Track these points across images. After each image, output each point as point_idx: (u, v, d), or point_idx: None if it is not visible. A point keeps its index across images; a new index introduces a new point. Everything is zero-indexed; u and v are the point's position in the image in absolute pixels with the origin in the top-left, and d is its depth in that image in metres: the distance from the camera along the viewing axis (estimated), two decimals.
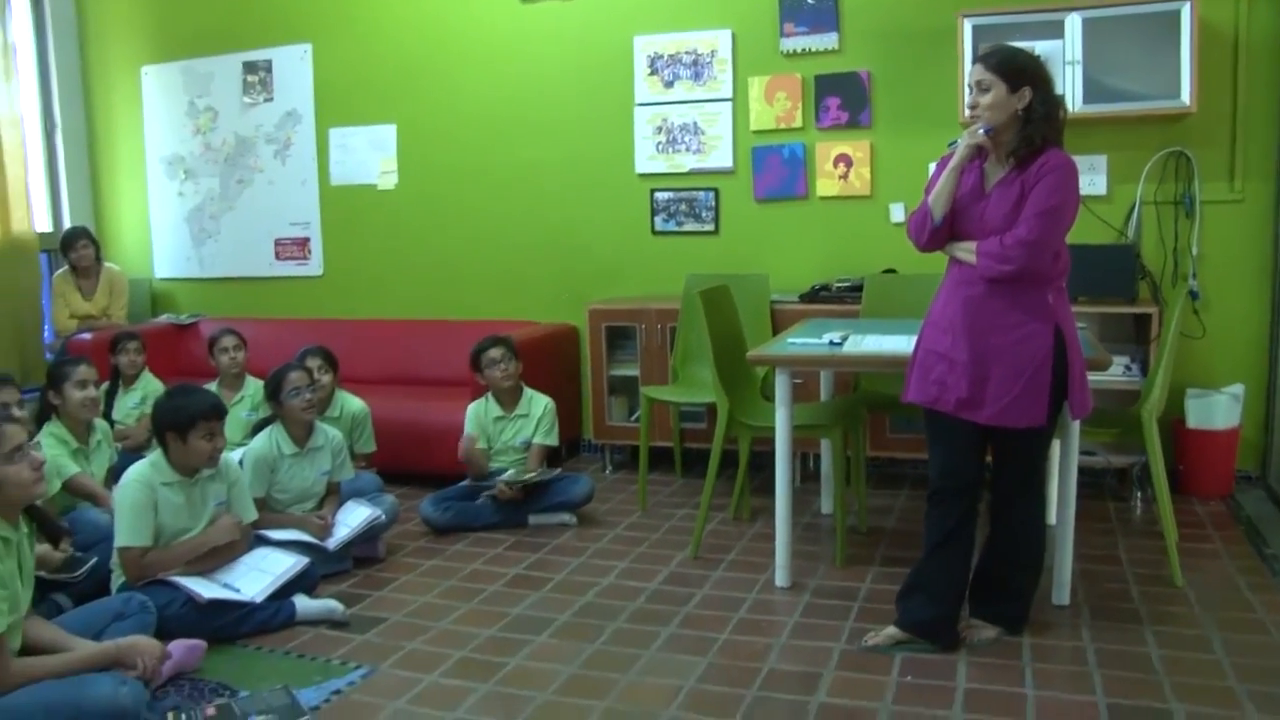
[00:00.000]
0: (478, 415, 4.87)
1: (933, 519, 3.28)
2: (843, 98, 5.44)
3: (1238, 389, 4.90)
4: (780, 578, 3.88)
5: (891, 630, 3.33)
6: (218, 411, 3.72)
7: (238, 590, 3.61)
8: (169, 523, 3.63)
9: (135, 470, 3.66)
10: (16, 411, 3.60)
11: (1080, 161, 4.82)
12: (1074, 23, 4.76)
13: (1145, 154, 5.03)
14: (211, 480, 3.76)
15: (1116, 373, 4.71)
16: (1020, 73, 3.04)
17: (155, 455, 3.70)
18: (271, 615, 3.60)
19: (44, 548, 3.52)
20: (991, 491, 3.32)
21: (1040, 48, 4.65)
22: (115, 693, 2.70)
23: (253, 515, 3.93)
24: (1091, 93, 4.76)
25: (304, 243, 6.78)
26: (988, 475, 3.31)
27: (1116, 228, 5.08)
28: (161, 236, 7.23)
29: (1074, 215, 3.12)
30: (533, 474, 4.71)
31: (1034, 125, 3.04)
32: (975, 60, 3.16)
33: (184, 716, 2.93)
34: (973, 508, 3.26)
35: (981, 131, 3.08)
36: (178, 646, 3.20)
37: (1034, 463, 3.29)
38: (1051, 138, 3.08)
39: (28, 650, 2.82)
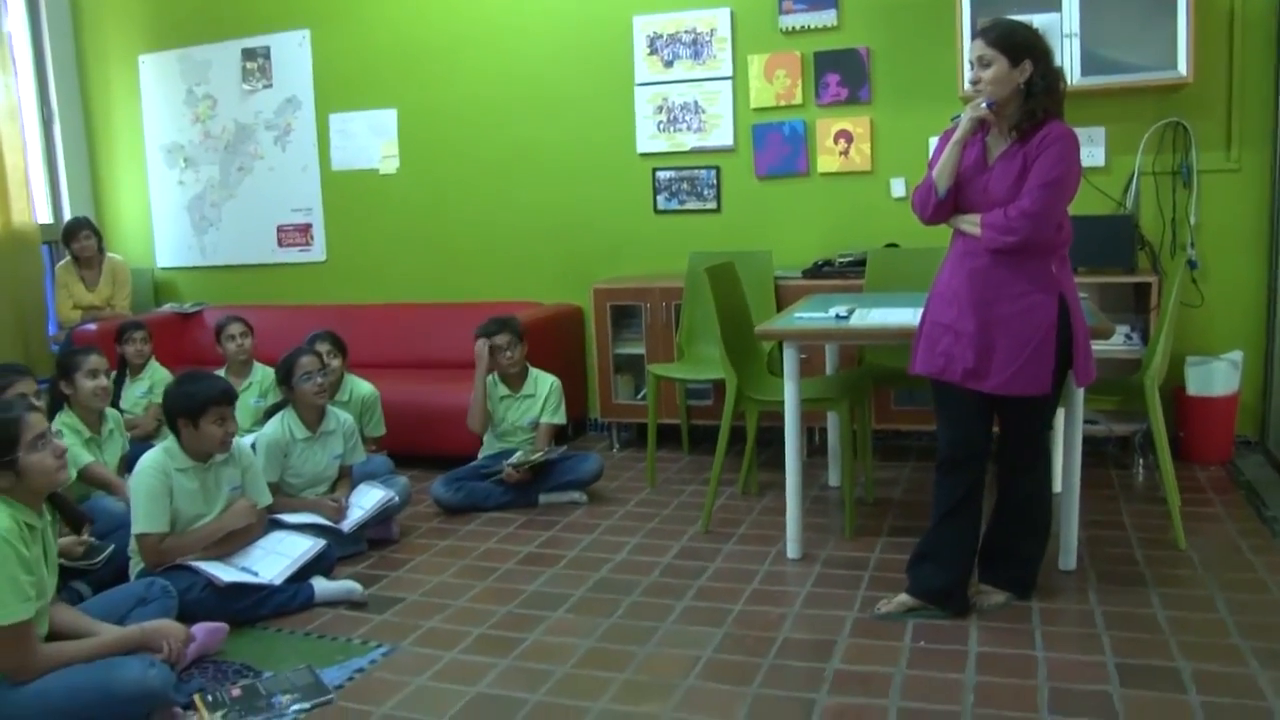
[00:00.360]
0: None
1: (942, 488, 3.34)
2: (842, 74, 5.47)
3: (1236, 356, 4.95)
4: (791, 549, 3.94)
5: (903, 598, 3.39)
6: (228, 396, 3.75)
7: (256, 574, 3.66)
8: (184, 508, 3.67)
9: (149, 457, 3.70)
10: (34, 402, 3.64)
11: (1079, 133, 4.89)
12: None
13: (1143, 125, 5.07)
14: (225, 465, 3.81)
15: (1117, 341, 4.76)
16: (1021, 47, 3.08)
17: (169, 442, 3.74)
18: (290, 597, 3.65)
19: (65, 539, 3.58)
20: (998, 460, 3.38)
21: (1038, 20, 4.66)
22: (144, 675, 2.76)
23: (268, 499, 3.97)
24: (1089, 65, 4.79)
25: (306, 229, 6.81)
26: (994, 444, 3.36)
27: (1115, 198, 5.13)
28: (162, 225, 7.26)
29: (1076, 186, 3.17)
30: (539, 454, 4.75)
31: (1035, 98, 3.08)
32: (975, 35, 3.19)
33: (210, 698, 2.98)
34: (981, 476, 3.31)
35: (984, 105, 3.12)
36: (200, 629, 3.25)
37: (1040, 430, 3.35)
38: (1053, 110, 3.12)
39: (53, 635, 2.86)
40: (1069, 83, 4.68)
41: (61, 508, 3.11)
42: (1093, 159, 5.09)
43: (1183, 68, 4.67)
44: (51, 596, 2.93)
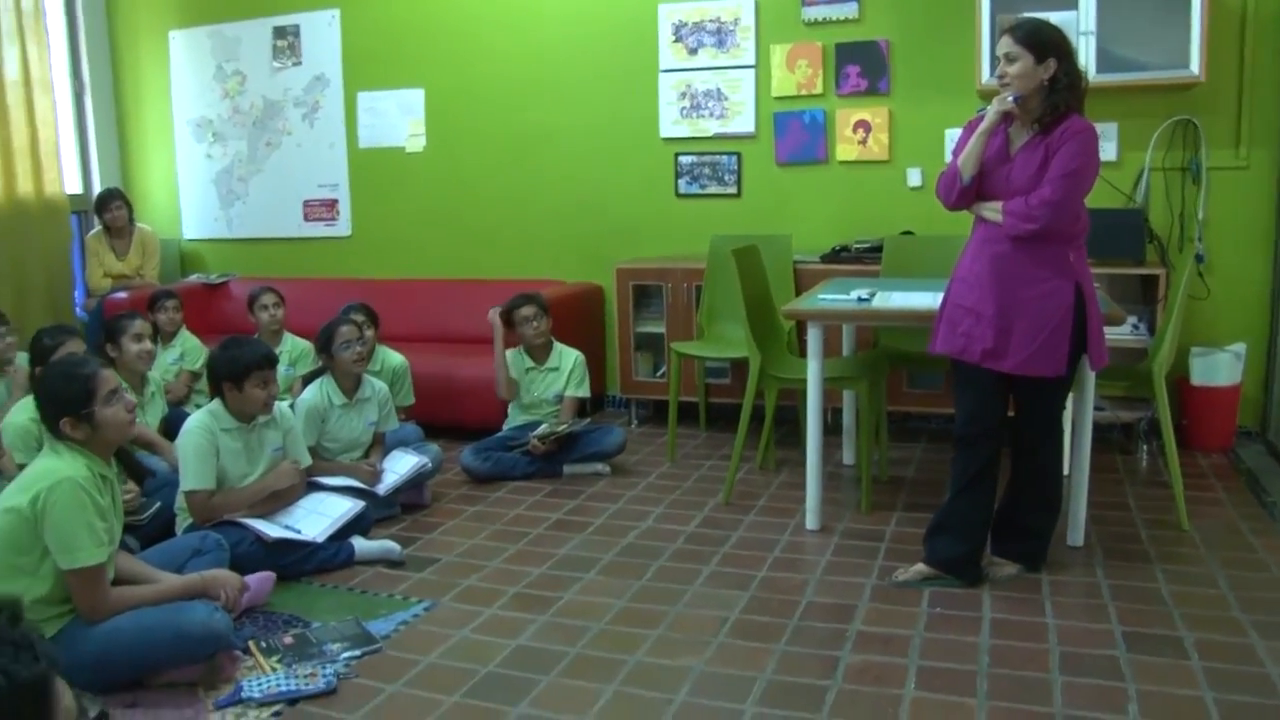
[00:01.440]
0: (511, 362, 5.08)
1: (959, 462, 3.51)
2: (862, 65, 5.62)
3: (1240, 348, 5.12)
4: (810, 521, 4.11)
5: (920, 567, 3.57)
6: (270, 361, 3.91)
7: (299, 531, 3.83)
8: (229, 467, 3.84)
9: (196, 418, 3.87)
10: None
11: None
12: None
13: (1154, 122, 5.22)
14: (267, 428, 3.97)
15: (1125, 331, 4.92)
16: (1046, 45, 3.24)
17: (214, 404, 3.90)
18: (332, 555, 3.83)
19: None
20: (1013, 438, 3.55)
21: (1056, 18, 4.79)
22: (210, 618, 2.93)
23: (308, 460, 4.14)
24: (1104, 62, 4.94)
25: (332, 204, 6.96)
26: (1009, 423, 3.54)
27: (1126, 193, 5.28)
28: (190, 198, 7.40)
29: (1094, 178, 3.33)
30: (564, 425, 4.92)
31: (1058, 93, 3.24)
32: (1003, 33, 3.35)
33: (264, 644, 3.15)
34: (995, 452, 3.49)
35: (1010, 99, 3.28)
36: (251, 579, 3.42)
37: (1053, 410, 3.52)
38: (1074, 105, 3.28)
39: (117, 581, 3.02)
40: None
41: (125, 461, 3.27)
42: (1105, 154, 5.20)
43: (1195, 67, 4.82)
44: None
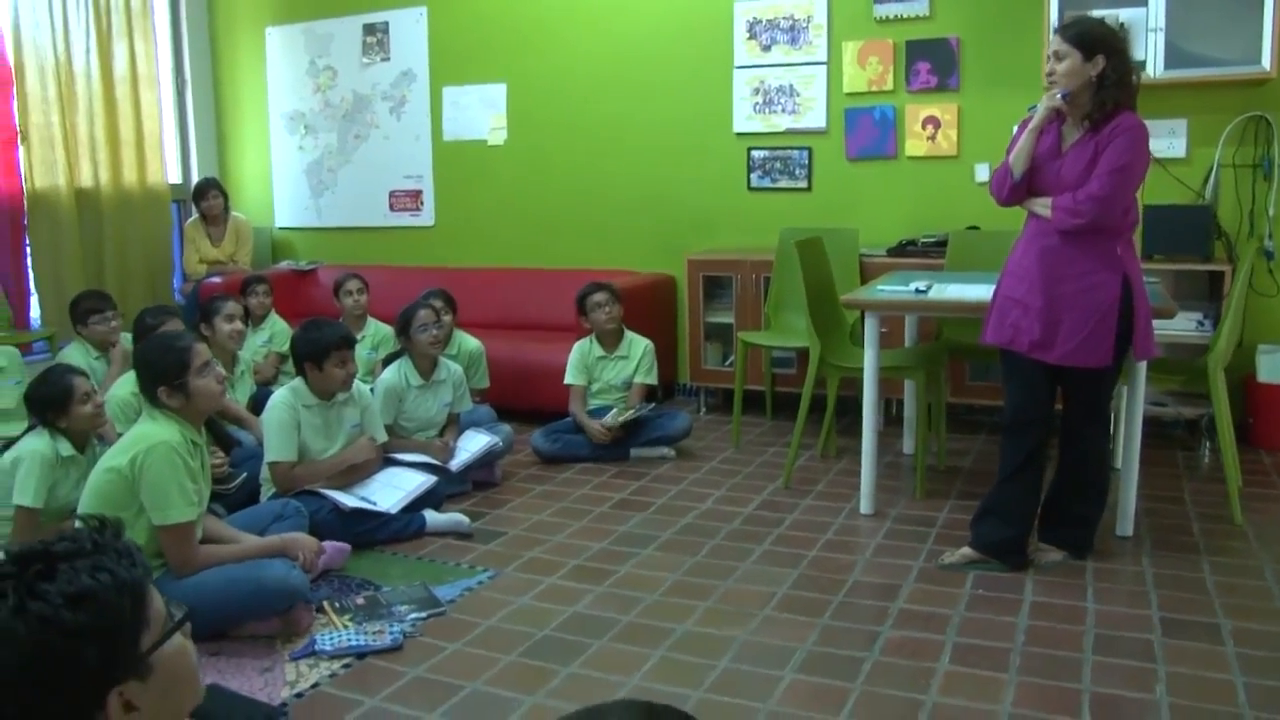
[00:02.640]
0: (582, 354, 5.26)
1: (1006, 450, 3.61)
2: (932, 62, 5.70)
3: None
4: (865, 505, 4.23)
5: (966, 550, 3.67)
6: (348, 341, 4.16)
7: (374, 503, 4.06)
8: (310, 441, 4.09)
9: (280, 395, 4.13)
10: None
11: (1160, 125, 5.12)
12: None
13: (1225, 118, 5.22)
14: (346, 405, 4.21)
15: (1189, 327, 4.94)
16: (1095, 42, 3.32)
17: (296, 382, 4.16)
18: (405, 525, 4.05)
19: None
20: (1061, 427, 3.64)
21: (1124, 15, 4.92)
22: (288, 574, 3.17)
23: (383, 436, 4.37)
24: (1173, 58, 4.95)
25: (417, 195, 7.22)
26: (1058, 411, 3.63)
27: (1194, 189, 5.29)
28: (282, 188, 7.73)
29: (1143, 174, 3.41)
30: (630, 410, 5.09)
31: (1107, 90, 3.33)
32: (1055, 31, 3.44)
33: (337, 604, 3.38)
34: (1042, 441, 3.59)
35: (1059, 96, 3.37)
36: (329, 545, 3.66)
37: (1099, 401, 3.60)
38: (1125, 101, 3.36)
39: (204, 541, 3.27)
40: (1151, 76, 4.91)
41: (214, 431, 3.52)
42: (1173, 150, 5.26)
43: (1267, 62, 4.80)
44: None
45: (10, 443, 3.72)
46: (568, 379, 5.23)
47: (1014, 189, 3.50)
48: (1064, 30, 3.39)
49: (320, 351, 4.07)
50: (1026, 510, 3.64)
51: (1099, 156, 3.33)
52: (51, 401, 3.57)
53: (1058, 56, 3.36)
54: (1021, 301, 3.48)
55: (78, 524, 1.38)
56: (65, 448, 3.56)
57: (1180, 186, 5.26)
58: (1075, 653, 2.98)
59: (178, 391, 3.13)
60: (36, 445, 3.50)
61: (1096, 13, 4.96)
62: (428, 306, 4.81)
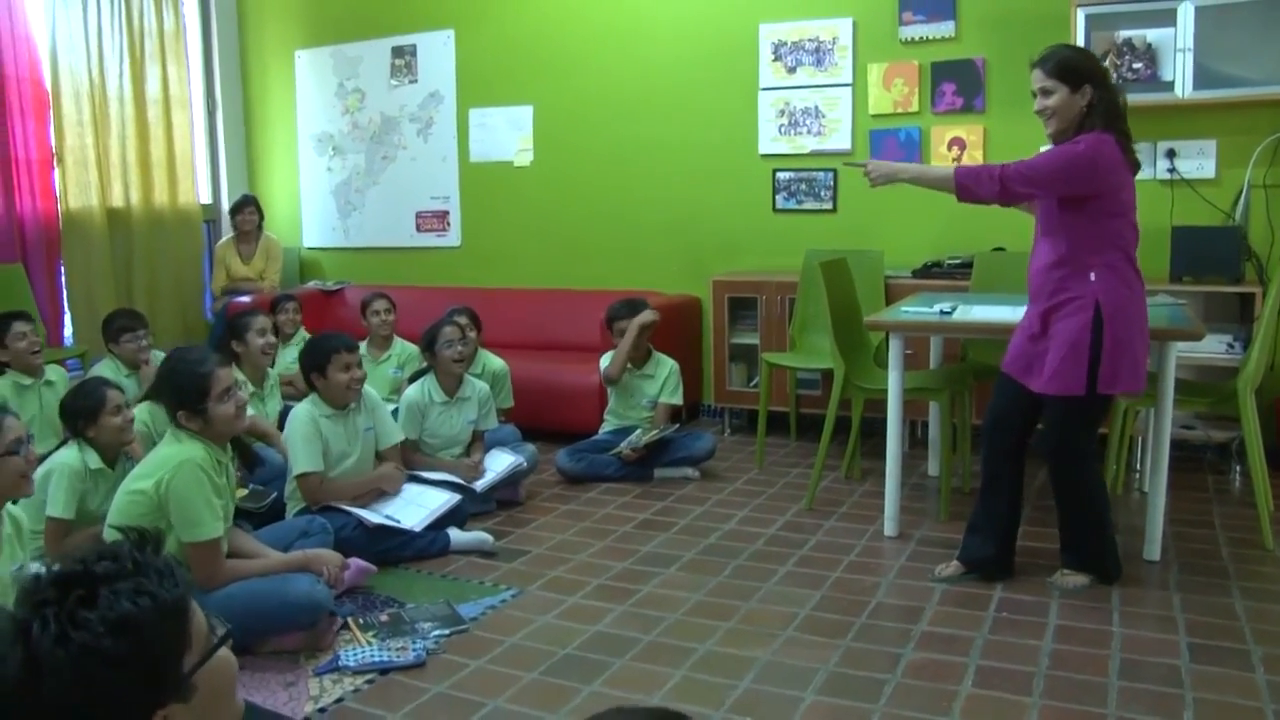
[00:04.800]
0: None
1: (983, 459, 3.74)
2: (958, 83, 5.70)
3: None
4: (889, 527, 4.22)
5: (956, 563, 3.76)
6: (348, 345, 4.21)
7: (398, 520, 4.07)
8: (332, 449, 4.13)
9: (300, 408, 4.19)
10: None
11: (1189, 146, 5.13)
12: (1187, 10, 4.93)
13: (1256, 138, 5.18)
14: (359, 412, 4.25)
15: (1219, 349, 4.90)
16: (1080, 73, 3.33)
17: (312, 396, 4.21)
18: (429, 543, 4.06)
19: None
20: (1046, 459, 3.64)
21: (1151, 36, 4.93)
22: (312, 589, 3.20)
23: (399, 436, 4.42)
24: (1202, 79, 4.94)
25: (443, 215, 7.27)
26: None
27: (1224, 210, 5.25)
28: (310, 208, 7.80)
29: (1074, 179, 3.31)
30: (655, 431, 5.09)
31: (1092, 119, 3.33)
32: (1032, 66, 3.42)
33: (361, 620, 3.39)
34: (1015, 453, 3.67)
35: None
36: (354, 563, 3.67)
37: (1078, 432, 3.52)
38: (1110, 125, 3.33)
39: (230, 555, 3.30)
40: (1180, 96, 4.91)
41: (239, 449, 3.55)
42: (1202, 171, 5.23)
43: None
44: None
45: (44, 458, 3.77)
46: (603, 368, 5.29)
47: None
48: (1043, 64, 3.36)
49: (322, 358, 4.13)
50: (1005, 527, 3.70)
51: None
52: (84, 411, 3.62)
53: (1045, 93, 3.35)
54: (1024, 329, 3.55)
55: (116, 534, 1.37)
56: (94, 460, 3.59)
57: (1210, 208, 5.23)
58: (1100, 677, 2.95)
59: (197, 416, 3.17)
60: (66, 458, 3.55)
61: (1123, 33, 5.02)
62: (453, 323, 4.84)
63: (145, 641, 1.21)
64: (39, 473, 3.54)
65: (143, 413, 4.22)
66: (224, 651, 1.34)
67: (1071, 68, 3.32)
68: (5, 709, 1.18)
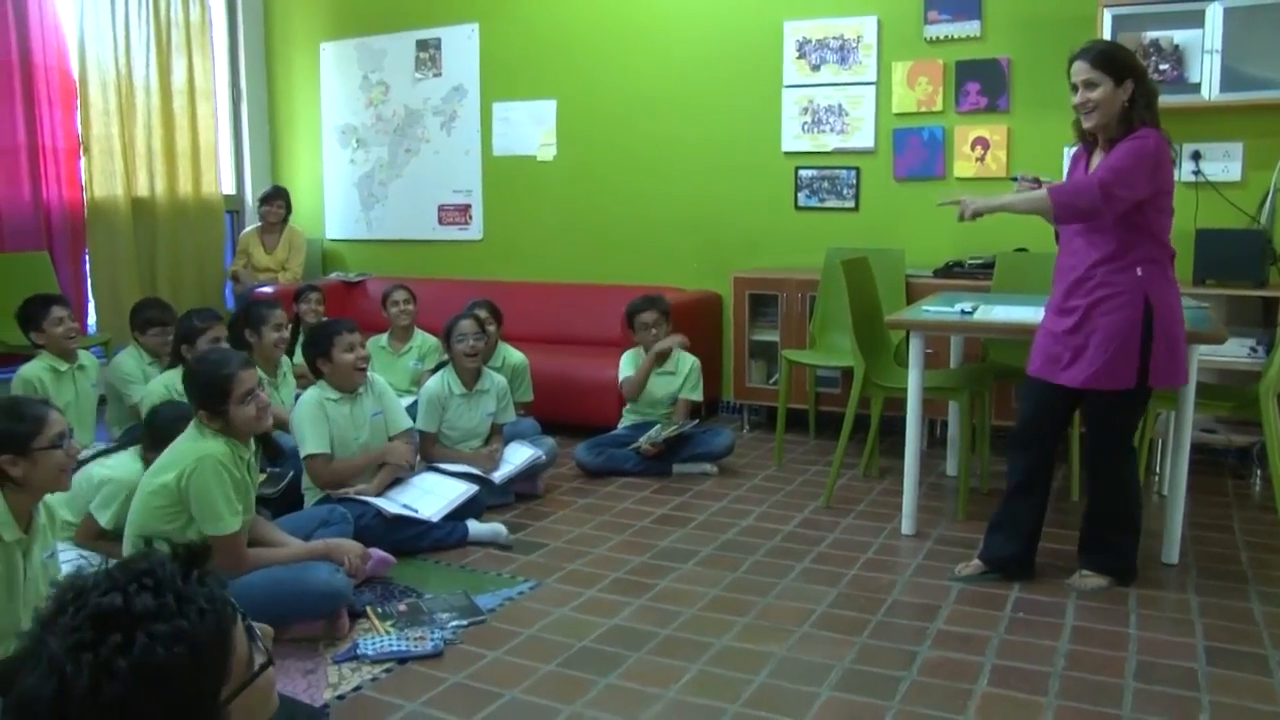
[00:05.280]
0: (634, 359, 5.30)
1: (1012, 463, 3.70)
2: (982, 83, 5.68)
3: None
4: (906, 526, 4.22)
5: (976, 562, 3.75)
6: (349, 326, 4.25)
7: (416, 510, 4.10)
8: (339, 432, 4.16)
9: (307, 394, 4.27)
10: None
11: (1215, 148, 5.10)
12: (1215, 12, 4.91)
13: None
14: (366, 396, 4.29)
15: (1242, 353, 4.88)
16: (1123, 67, 3.34)
17: (320, 382, 4.24)
18: (447, 534, 4.09)
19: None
20: (1085, 455, 3.69)
21: (1179, 37, 4.92)
22: (332, 577, 3.23)
23: (407, 422, 4.44)
24: (1229, 81, 4.92)
25: (465, 209, 7.29)
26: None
27: (1250, 213, 5.22)
28: (333, 200, 7.84)
29: (1144, 182, 3.31)
30: (674, 427, 5.10)
31: (1136, 112, 3.34)
32: (1074, 58, 3.42)
33: (380, 610, 3.42)
34: (1048, 458, 3.66)
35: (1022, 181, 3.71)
36: (375, 552, 3.70)
37: (1122, 427, 3.57)
38: (1149, 121, 3.35)
39: (252, 544, 3.33)
40: (1208, 98, 4.90)
41: (263, 441, 3.59)
42: (1228, 174, 5.20)
43: None
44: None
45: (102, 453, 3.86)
46: (622, 376, 5.29)
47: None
48: (1086, 55, 3.37)
49: (325, 342, 4.17)
50: (1030, 527, 3.69)
51: None
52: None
53: (1088, 85, 3.35)
54: (1049, 329, 3.52)
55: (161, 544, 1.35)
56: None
57: (1235, 211, 5.20)
58: (1116, 679, 2.95)
59: (218, 417, 3.21)
60: (127, 475, 3.55)
61: (1150, 35, 5.01)
62: (471, 317, 4.86)
63: (179, 690, 1.19)
64: (96, 473, 3.59)
65: (166, 379, 4.30)
66: (263, 674, 1.32)
67: (1116, 61, 3.33)
68: None
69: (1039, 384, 3.56)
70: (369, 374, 4.31)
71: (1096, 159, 3.46)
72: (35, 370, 4.68)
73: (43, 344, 4.74)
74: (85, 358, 4.97)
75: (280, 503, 4.17)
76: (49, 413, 2.73)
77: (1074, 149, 3.66)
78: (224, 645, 1.25)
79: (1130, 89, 3.31)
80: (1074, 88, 3.41)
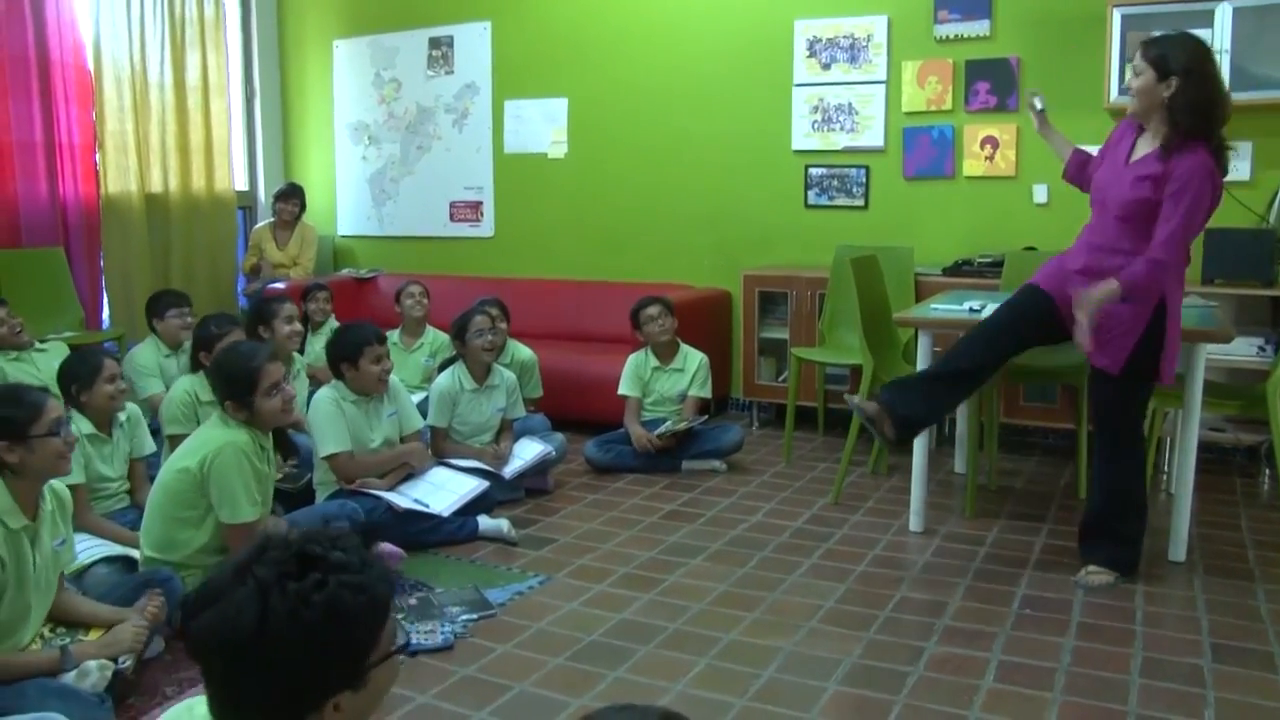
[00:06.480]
0: (636, 366, 5.31)
1: (958, 348, 3.77)
2: (992, 82, 5.70)
3: None
4: (914, 523, 4.24)
5: (873, 404, 3.80)
6: (380, 337, 4.28)
7: (427, 505, 4.14)
8: (354, 434, 4.20)
9: (323, 392, 4.29)
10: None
11: None
12: (1224, 12, 4.91)
13: None
14: (381, 398, 4.33)
15: (1250, 352, 4.89)
16: (1170, 64, 3.34)
17: (335, 382, 4.28)
18: (457, 529, 4.13)
19: None
20: (1093, 447, 3.69)
21: None
22: None
23: (420, 423, 4.50)
24: (1238, 80, 4.90)
25: (477, 206, 7.32)
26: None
27: (1258, 213, 5.22)
28: (345, 197, 7.87)
29: (1204, 219, 3.45)
30: (684, 423, 5.13)
31: (1178, 114, 3.33)
32: (1141, 42, 3.50)
33: None
34: (985, 365, 3.76)
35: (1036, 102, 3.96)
36: (384, 547, 3.74)
37: (1120, 412, 3.59)
38: (1199, 129, 3.33)
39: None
40: None
41: (278, 438, 3.63)
42: (1237, 173, 5.17)
43: None
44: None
45: None
46: (622, 390, 5.29)
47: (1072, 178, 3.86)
48: (1145, 45, 3.43)
49: (354, 350, 4.19)
50: (942, 407, 3.91)
51: (1162, 187, 3.35)
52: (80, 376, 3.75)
53: (1136, 72, 3.41)
54: (1069, 282, 3.58)
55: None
56: (86, 426, 3.72)
57: (1243, 210, 5.20)
58: (1122, 675, 2.97)
59: (244, 408, 3.25)
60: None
61: (1168, 33, 4.99)
62: (483, 313, 4.89)
63: (351, 635, 1.37)
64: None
65: (186, 384, 4.33)
66: (395, 656, 1.46)
67: (1165, 58, 3.34)
68: (229, 651, 1.33)
69: (1031, 301, 3.67)
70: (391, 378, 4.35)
71: (1141, 147, 3.49)
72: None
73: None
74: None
75: (294, 499, 4.22)
76: (46, 399, 2.77)
77: (1121, 123, 3.67)
78: (386, 611, 1.43)
79: (1173, 87, 3.31)
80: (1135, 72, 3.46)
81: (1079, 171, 3.86)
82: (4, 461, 2.66)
